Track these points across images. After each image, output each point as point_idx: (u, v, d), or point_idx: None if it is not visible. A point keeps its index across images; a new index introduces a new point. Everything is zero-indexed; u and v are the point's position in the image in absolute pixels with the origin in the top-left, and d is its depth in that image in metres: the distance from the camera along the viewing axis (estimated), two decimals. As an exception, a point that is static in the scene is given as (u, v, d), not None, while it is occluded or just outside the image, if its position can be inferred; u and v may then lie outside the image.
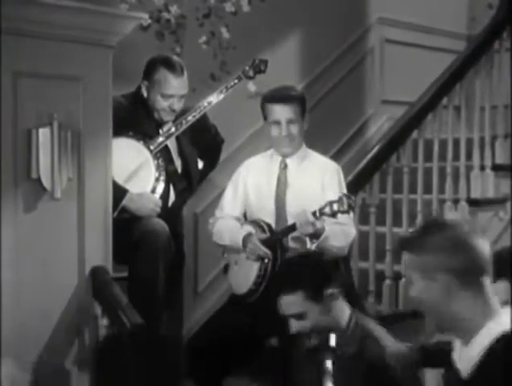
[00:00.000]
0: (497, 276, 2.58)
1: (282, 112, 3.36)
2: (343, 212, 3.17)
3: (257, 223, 3.35)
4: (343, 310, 2.73)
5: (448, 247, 1.89)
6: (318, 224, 3.17)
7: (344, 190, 3.41)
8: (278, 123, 3.36)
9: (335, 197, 3.23)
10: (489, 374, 1.81)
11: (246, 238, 3.31)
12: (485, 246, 1.93)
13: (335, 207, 3.15)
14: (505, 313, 1.92)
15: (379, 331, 2.73)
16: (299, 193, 3.36)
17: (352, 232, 3.36)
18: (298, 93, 3.45)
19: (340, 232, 3.28)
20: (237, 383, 3.60)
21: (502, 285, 2.57)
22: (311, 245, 3.23)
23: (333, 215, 3.17)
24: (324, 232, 3.19)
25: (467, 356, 1.88)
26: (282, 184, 3.39)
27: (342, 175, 3.45)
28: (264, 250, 3.25)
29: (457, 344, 1.94)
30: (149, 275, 3.30)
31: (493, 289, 2.58)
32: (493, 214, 4.77)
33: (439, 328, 1.96)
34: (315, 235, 3.19)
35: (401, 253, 1.99)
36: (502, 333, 1.86)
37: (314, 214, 3.17)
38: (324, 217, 3.19)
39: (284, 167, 3.42)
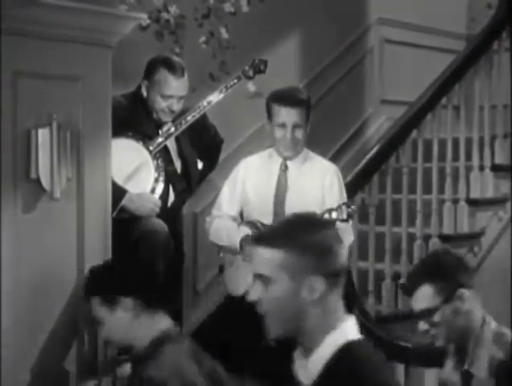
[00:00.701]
0: (423, 280, 2.45)
1: (289, 115, 3.31)
2: (342, 221, 3.16)
3: (254, 225, 3.33)
4: (147, 325, 2.41)
5: (327, 247, 1.78)
6: None
7: (344, 195, 3.40)
8: (283, 126, 3.33)
9: (334, 204, 3.23)
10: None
11: (244, 240, 3.29)
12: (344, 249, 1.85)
13: (334, 215, 3.14)
14: (349, 321, 1.82)
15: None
16: (299, 195, 3.34)
17: (348, 239, 3.34)
18: (306, 97, 3.40)
19: None
20: (234, 383, 3.59)
21: (426, 289, 2.45)
22: None
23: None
24: None
25: (309, 367, 1.78)
26: (283, 186, 3.38)
27: (342, 179, 3.44)
28: None
29: (299, 354, 1.83)
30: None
31: (418, 293, 2.46)
32: (493, 214, 4.77)
33: (287, 333, 1.82)
34: None
35: (259, 246, 1.79)
36: (344, 343, 1.76)
37: None
38: None
39: (285, 169, 3.40)
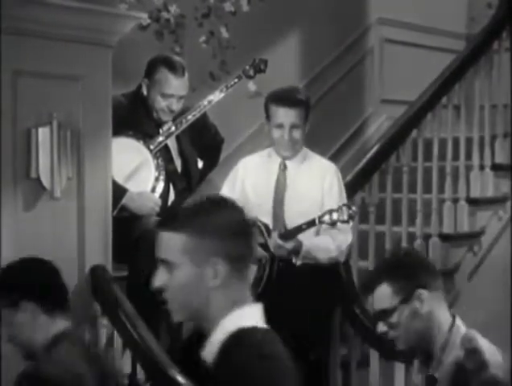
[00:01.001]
0: (382, 278, 2.33)
1: (286, 116, 3.29)
2: (342, 222, 3.15)
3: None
4: (46, 326, 2.45)
5: (231, 229, 1.71)
6: (288, 246, 3.15)
7: (344, 195, 3.39)
8: (281, 126, 3.31)
9: (334, 204, 3.22)
10: (220, 372, 1.67)
11: None
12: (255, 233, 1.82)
13: (334, 216, 3.13)
14: (250, 308, 1.75)
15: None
16: (297, 195, 3.34)
17: (347, 239, 3.33)
18: (304, 97, 3.37)
19: (329, 243, 3.25)
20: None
21: (385, 289, 2.32)
22: (295, 260, 3.22)
23: (333, 224, 3.16)
24: (302, 248, 3.18)
25: (208, 349, 1.73)
26: (281, 185, 3.37)
27: (341, 179, 3.44)
28: (260, 252, 3.23)
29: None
30: (149, 274, 3.30)
31: (376, 293, 2.33)
32: (493, 213, 4.77)
33: (189, 318, 1.77)
34: (294, 252, 3.18)
35: (161, 230, 1.72)
36: (236, 329, 1.69)
37: (283, 235, 3.16)
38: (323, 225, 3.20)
39: (284, 169, 3.39)
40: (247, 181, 3.44)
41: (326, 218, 3.15)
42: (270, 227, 3.30)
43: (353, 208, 3.20)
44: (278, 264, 3.25)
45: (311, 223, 3.18)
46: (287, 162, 3.40)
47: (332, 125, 5.26)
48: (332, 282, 3.44)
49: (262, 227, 3.28)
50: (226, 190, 3.48)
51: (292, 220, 3.27)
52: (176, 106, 3.55)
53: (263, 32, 4.87)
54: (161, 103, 3.53)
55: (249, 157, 3.53)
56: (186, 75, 3.56)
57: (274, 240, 3.18)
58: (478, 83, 4.80)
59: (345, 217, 3.13)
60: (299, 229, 3.22)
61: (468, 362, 2.26)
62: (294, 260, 3.22)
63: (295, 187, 3.36)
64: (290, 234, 3.22)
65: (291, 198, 3.34)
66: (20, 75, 2.75)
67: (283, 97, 3.32)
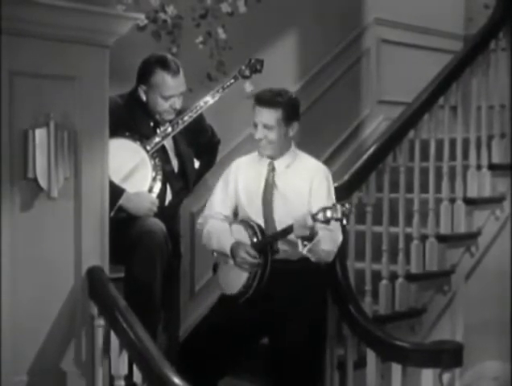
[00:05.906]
0: None
1: (260, 115, 3.33)
2: (336, 220, 3.11)
3: (247, 224, 3.33)
4: None
5: None
6: (315, 228, 3.14)
7: (332, 195, 3.36)
8: (255, 125, 3.36)
9: (321, 204, 3.20)
10: None
11: (234, 248, 3.29)
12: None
13: (328, 213, 3.09)
14: None
15: None
16: (286, 195, 3.34)
17: (339, 238, 3.33)
18: (284, 99, 3.34)
19: (329, 237, 3.26)
20: (232, 382, 3.60)
21: None
22: (302, 248, 3.20)
23: (326, 221, 3.12)
24: (317, 236, 3.17)
25: None
26: (270, 186, 3.37)
27: (331, 180, 3.42)
28: (254, 261, 3.24)
29: None
30: (146, 275, 3.30)
31: None
32: (490, 213, 4.77)
33: None
34: (309, 238, 3.17)
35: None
36: None
37: (312, 217, 3.12)
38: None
39: (272, 169, 3.40)
40: (239, 181, 3.46)
41: (320, 215, 3.12)
42: (263, 227, 3.31)
43: (347, 206, 3.15)
44: (271, 265, 3.25)
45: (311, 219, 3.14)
46: (275, 163, 3.41)
47: (330, 126, 5.26)
48: (326, 283, 3.46)
49: (256, 227, 3.28)
50: (219, 191, 3.50)
51: (281, 220, 3.28)
52: (178, 104, 3.56)
53: (260, 33, 4.88)
54: (163, 105, 3.53)
55: (242, 158, 3.56)
56: (181, 71, 3.55)
57: (304, 220, 3.11)
58: (475, 83, 4.81)
59: (339, 215, 3.10)
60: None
61: None
62: (300, 249, 3.19)
63: (283, 188, 3.37)
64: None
65: (279, 198, 3.35)
66: (17, 75, 2.74)
67: (261, 97, 3.35)
